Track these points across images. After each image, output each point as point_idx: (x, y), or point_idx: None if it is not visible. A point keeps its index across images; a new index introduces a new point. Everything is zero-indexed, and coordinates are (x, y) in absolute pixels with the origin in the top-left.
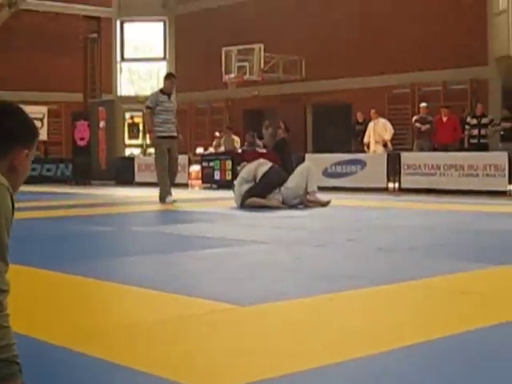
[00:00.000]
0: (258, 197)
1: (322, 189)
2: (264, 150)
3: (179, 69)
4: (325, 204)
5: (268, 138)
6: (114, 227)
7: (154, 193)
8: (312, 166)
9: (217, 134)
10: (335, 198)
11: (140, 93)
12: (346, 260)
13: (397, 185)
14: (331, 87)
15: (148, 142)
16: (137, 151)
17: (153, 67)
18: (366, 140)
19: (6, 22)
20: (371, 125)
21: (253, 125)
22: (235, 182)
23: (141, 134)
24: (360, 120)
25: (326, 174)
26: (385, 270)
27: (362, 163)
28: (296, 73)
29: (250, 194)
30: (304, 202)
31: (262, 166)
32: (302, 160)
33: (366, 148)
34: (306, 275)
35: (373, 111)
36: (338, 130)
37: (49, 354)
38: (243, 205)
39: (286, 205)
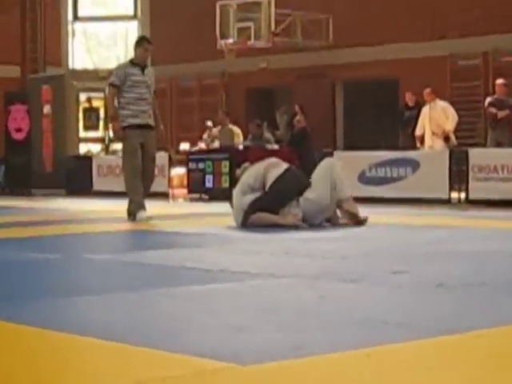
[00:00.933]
0: (267, 211)
1: (356, 200)
2: (276, 146)
3: (156, 32)
4: (361, 221)
5: (282, 129)
6: (63, 254)
7: (121, 206)
8: (336, 162)
9: (209, 123)
10: (376, 214)
11: (101, 65)
12: (391, 300)
13: (463, 195)
14: (369, 57)
15: (112, 134)
16: (96, 148)
17: (119, 29)
18: (418, 131)
19: None
20: (426, 110)
21: (260, 110)
22: (234, 191)
23: (102, 124)
24: (410, 103)
25: (363, 179)
26: (445, 315)
27: (414, 164)
28: (320, 37)
29: (256, 207)
30: (333, 218)
31: (275, 167)
32: None
33: (418, 143)
34: (332, 321)
35: (428, 91)
36: (380, 118)
37: None
38: (246, 223)
39: (307, 223)
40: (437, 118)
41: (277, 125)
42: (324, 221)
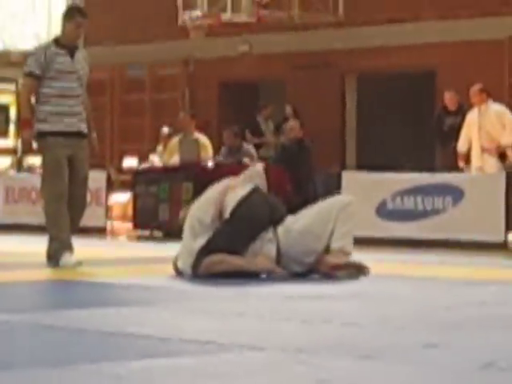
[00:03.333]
0: (227, 251)
1: (373, 241)
2: (259, 164)
3: (93, 0)
4: (359, 270)
5: (269, 139)
6: None
7: (38, 246)
8: (354, 204)
9: (165, 129)
10: (399, 262)
11: (12, 46)
12: None
13: None
14: (394, 40)
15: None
16: (4, 162)
17: None
18: (462, 147)
19: None
20: (473, 116)
21: (239, 112)
22: (182, 243)
23: (12, 129)
24: (451, 107)
25: (383, 212)
26: None
27: (456, 193)
28: (326, 11)
29: (210, 246)
30: (316, 268)
31: (235, 188)
32: (337, 185)
33: (462, 162)
34: None
35: (476, 89)
36: (408, 126)
37: None
38: (197, 271)
39: (285, 269)
40: (489, 127)
41: (263, 133)
42: (306, 270)
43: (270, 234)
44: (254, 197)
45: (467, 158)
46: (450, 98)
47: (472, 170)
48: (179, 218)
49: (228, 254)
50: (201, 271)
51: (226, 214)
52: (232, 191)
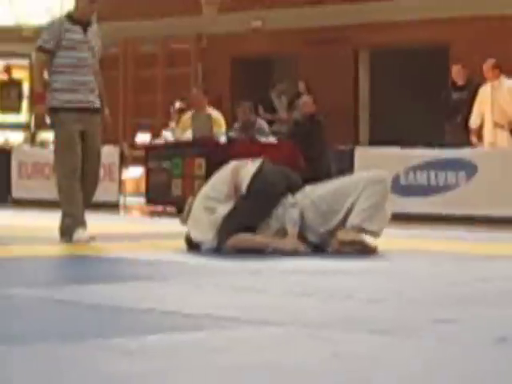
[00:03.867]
0: (250, 226)
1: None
2: (273, 140)
3: None
4: (370, 250)
5: (282, 115)
6: None
7: (51, 221)
8: (385, 181)
9: (178, 105)
10: (413, 237)
11: (25, 22)
12: (433, 360)
13: None
14: (407, 14)
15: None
16: (17, 137)
17: None
18: (474, 122)
19: None
20: (486, 91)
21: (252, 88)
22: (196, 205)
23: (26, 104)
24: (460, 81)
25: (397, 188)
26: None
27: (469, 168)
28: None
29: (234, 222)
30: (329, 242)
31: (245, 166)
32: (350, 161)
33: (475, 137)
34: None
35: (490, 64)
36: (422, 102)
37: None
38: (221, 246)
39: (305, 234)
40: (502, 102)
41: (275, 109)
42: (320, 241)
43: (290, 199)
44: (267, 168)
45: (480, 134)
46: (456, 72)
47: (485, 144)
48: (187, 203)
49: (252, 231)
50: (227, 247)
51: (243, 190)
52: (242, 168)
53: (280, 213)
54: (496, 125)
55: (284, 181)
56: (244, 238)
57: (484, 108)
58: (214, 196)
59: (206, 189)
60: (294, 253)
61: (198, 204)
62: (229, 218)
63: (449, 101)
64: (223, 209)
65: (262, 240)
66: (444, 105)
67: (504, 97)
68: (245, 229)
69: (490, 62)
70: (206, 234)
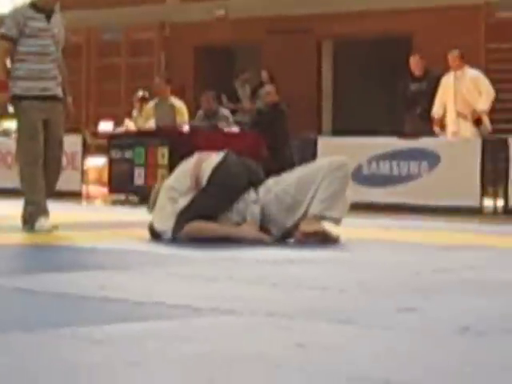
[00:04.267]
0: (209, 217)
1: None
2: (235, 129)
3: None
4: (332, 239)
5: (245, 105)
6: None
7: (14, 209)
8: (345, 166)
9: (140, 93)
10: (375, 227)
11: None
12: (395, 350)
13: (500, 202)
14: (371, 5)
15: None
16: None
17: None
18: (436, 111)
19: None
20: (449, 81)
21: (215, 77)
22: (161, 195)
23: None
24: (417, 72)
25: (359, 177)
26: (472, 372)
27: (432, 158)
28: None
29: (192, 211)
30: (292, 233)
31: (208, 158)
32: (313, 150)
33: (437, 127)
34: (314, 380)
35: (455, 54)
36: (385, 91)
37: None
38: (177, 233)
39: (272, 234)
40: (465, 92)
41: (239, 98)
42: (284, 234)
43: (252, 195)
44: (229, 160)
45: (442, 123)
46: (414, 63)
47: (448, 134)
48: (152, 191)
49: (211, 221)
50: (182, 235)
51: (204, 182)
52: (204, 161)
53: (241, 207)
54: (459, 115)
55: (246, 175)
56: (198, 226)
57: (447, 98)
58: (177, 187)
59: (170, 179)
60: (257, 241)
61: (162, 194)
62: (186, 209)
63: (406, 92)
64: (183, 201)
65: (217, 228)
66: (402, 96)
67: (467, 87)
68: (203, 219)
69: (456, 51)
70: (167, 224)
